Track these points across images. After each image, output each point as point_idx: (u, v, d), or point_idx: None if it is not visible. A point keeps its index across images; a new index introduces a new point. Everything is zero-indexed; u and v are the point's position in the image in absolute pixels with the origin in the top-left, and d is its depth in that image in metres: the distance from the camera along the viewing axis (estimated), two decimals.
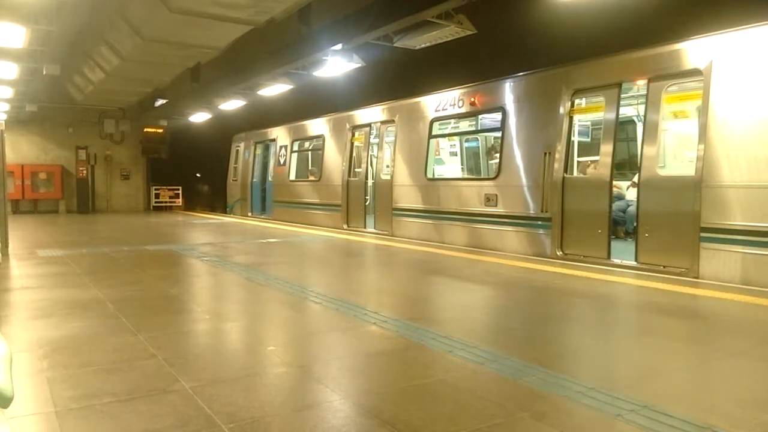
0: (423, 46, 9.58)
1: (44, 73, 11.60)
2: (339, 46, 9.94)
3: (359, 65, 10.85)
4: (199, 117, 19.40)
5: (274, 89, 13.90)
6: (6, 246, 8.36)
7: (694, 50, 6.61)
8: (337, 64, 10.83)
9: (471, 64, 13.04)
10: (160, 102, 17.47)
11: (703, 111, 6.43)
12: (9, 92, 15.02)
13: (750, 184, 5.95)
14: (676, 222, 6.56)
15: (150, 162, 22.14)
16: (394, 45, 9.52)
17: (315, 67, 11.46)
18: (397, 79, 14.33)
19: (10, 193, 16.25)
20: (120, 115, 19.87)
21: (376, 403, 2.86)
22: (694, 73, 6.55)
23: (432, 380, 3.19)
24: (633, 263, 6.92)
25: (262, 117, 17.68)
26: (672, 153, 8.58)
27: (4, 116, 18.33)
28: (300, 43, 9.70)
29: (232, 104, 16.29)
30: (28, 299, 5.30)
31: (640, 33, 9.00)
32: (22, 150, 19.31)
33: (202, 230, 13.52)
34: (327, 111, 14.14)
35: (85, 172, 19.99)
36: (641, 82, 7.23)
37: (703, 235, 6.26)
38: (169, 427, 2.55)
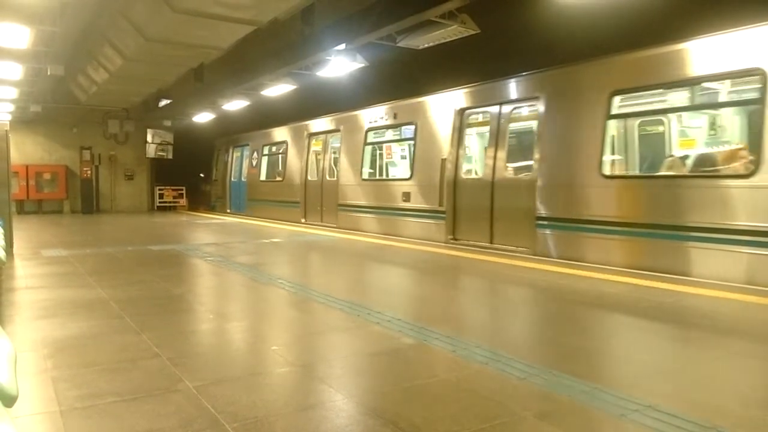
0: (426, 45, 9.57)
1: (48, 73, 11.61)
2: (342, 46, 9.94)
3: (362, 65, 10.85)
4: (203, 117, 19.42)
5: (278, 89, 13.91)
6: (11, 246, 8.39)
7: (532, 81, 8.66)
8: (340, 64, 10.83)
9: (465, 65, 13.02)
10: (164, 102, 17.49)
11: (539, 127, 8.42)
12: (14, 93, 15.07)
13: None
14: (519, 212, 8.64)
15: (154, 162, 22.17)
16: (398, 45, 9.50)
17: (318, 67, 11.45)
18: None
19: (15, 194, 16.32)
20: (124, 115, 19.86)
21: (379, 402, 2.87)
22: (534, 98, 8.55)
23: (437, 380, 3.19)
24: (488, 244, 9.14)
25: (266, 118, 17.73)
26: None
27: (9, 117, 18.38)
28: (303, 43, 9.70)
29: (235, 104, 16.30)
30: (33, 299, 5.32)
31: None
32: (26, 150, 19.37)
33: (205, 230, 13.55)
34: (293, 119, 15.87)
35: (89, 172, 20.03)
36: (509, 105, 9.11)
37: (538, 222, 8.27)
38: (172, 426, 2.55)
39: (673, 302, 5.13)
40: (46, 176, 19.74)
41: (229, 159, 19.88)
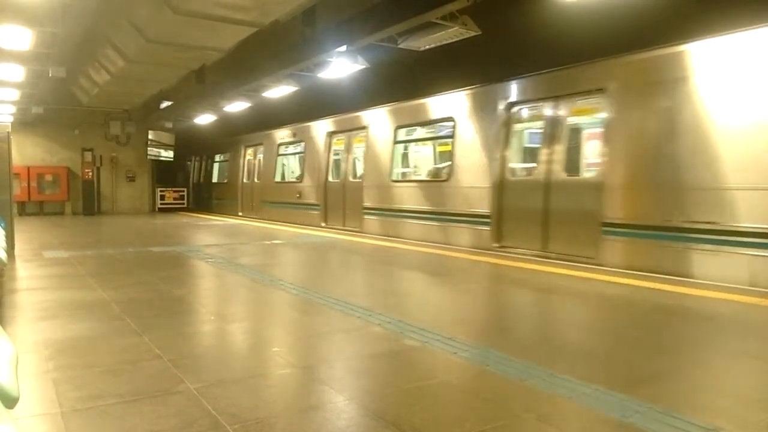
0: (427, 47, 9.56)
1: (50, 75, 11.62)
2: (343, 48, 9.92)
3: (363, 66, 10.84)
4: (204, 119, 19.44)
5: (279, 91, 13.91)
6: (12, 247, 8.39)
7: (362, 116, 12.93)
8: (341, 66, 10.82)
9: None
10: (165, 104, 17.49)
11: (365, 148, 12.74)
12: (15, 94, 15.09)
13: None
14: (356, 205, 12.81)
15: (155, 164, 22.18)
16: (399, 46, 9.49)
17: (319, 69, 11.45)
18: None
19: (16, 195, 16.33)
20: (125, 116, 19.88)
21: (380, 404, 2.86)
22: (365, 128, 12.73)
23: (436, 382, 3.19)
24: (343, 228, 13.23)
25: (265, 119, 17.76)
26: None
27: (11, 118, 18.40)
28: (304, 44, 9.71)
29: (236, 106, 16.30)
30: (34, 300, 5.32)
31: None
32: (28, 152, 19.37)
33: (205, 232, 13.56)
34: (257, 129, 18.62)
35: (90, 173, 20.03)
36: (353, 131, 13.36)
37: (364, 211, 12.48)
38: (173, 428, 2.55)
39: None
40: (48, 178, 19.74)
41: (192, 165, 24.12)
